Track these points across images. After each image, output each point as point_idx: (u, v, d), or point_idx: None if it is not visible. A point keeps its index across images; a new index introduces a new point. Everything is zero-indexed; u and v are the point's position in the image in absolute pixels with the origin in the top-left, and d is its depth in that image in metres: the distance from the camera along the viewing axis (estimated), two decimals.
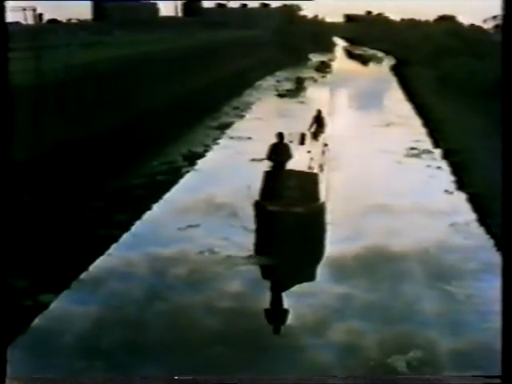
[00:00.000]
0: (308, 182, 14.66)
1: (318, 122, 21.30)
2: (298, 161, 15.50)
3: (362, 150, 23.04)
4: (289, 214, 13.75)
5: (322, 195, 14.68)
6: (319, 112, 21.71)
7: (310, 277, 12.55)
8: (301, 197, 14.17)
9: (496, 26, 51.99)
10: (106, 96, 25.89)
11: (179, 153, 23.59)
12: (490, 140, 17.20)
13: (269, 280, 12.58)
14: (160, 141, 25.26)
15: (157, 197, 17.76)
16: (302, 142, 17.90)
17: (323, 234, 14.33)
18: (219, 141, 26.70)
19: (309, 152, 16.73)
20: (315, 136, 19.58)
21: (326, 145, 19.28)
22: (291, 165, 15.19)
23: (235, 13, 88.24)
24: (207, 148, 25.11)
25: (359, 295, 11.51)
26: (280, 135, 15.81)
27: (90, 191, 17.90)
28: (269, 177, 14.78)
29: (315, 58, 76.58)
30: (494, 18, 52.13)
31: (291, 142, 16.99)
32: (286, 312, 11.01)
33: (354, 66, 75.19)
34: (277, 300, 11.48)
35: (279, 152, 15.40)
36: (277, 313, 11.11)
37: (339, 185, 17.49)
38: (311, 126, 21.06)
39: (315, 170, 15.29)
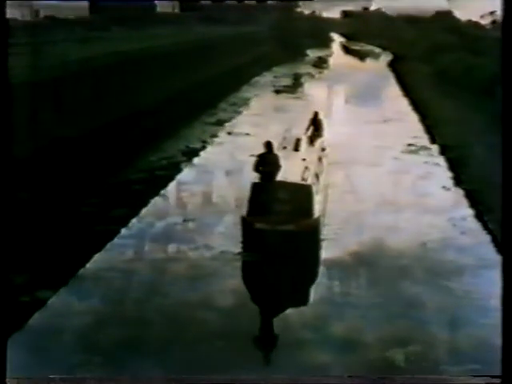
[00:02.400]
0: (300, 194, 13.17)
1: (315, 124, 19.54)
2: (291, 170, 13.88)
3: (358, 147, 23.03)
4: (278, 233, 12.60)
5: (316, 209, 13.28)
6: (316, 114, 19.99)
7: (303, 301, 11.59)
8: (292, 212, 12.87)
9: (493, 22, 52.10)
10: (104, 92, 25.86)
11: (177, 148, 23.67)
12: (488, 136, 17.27)
13: (258, 305, 11.54)
14: (158, 136, 25.29)
15: (155, 192, 17.82)
16: (296, 147, 16.11)
17: (317, 254, 13.11)
18: (217, 136, 26.72)
19: (303, 160, 14.91)
20: (311, 141, 17.76)
21: (323, 149, 17.62)
22: (282, 175, 13.62)
23: (232, 8, 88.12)
24: (205, 144, 25.14)
25: (358, 290, 11.58)
26: (268, 144, 14.12)
27: (87, 186, 17.91)
28: (257, 189, 13.26)
29: (312, 54, 76.58)
30: (491, 13, 52.21)
31: (285, 147, 15.80)
32: (275, 338, 10.24)
33: (351, 61, 75.13)
34: (266, 326, 10.56)
35: (267, 163, 13.77)
36: (267, 339, 10.21)
37: (335, 181, 17.52)
38: (307, 129, 19.22)
39: (309, 181, 13.67)
